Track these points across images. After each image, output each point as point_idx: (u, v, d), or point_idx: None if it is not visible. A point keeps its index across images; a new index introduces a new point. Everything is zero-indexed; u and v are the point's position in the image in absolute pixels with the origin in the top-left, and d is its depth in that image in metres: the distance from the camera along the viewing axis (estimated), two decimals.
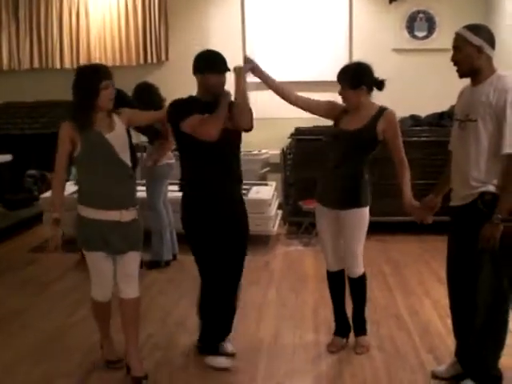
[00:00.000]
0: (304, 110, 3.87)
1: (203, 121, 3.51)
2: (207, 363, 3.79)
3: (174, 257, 5.83)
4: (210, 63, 3.62)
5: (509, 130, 3.05)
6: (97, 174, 3.48)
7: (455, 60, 3.25)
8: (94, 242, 3.49)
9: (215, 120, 3.52)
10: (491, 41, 3.20)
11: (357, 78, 3.75)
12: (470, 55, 3.17)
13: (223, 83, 3.64)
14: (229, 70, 3.64)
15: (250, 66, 3.71)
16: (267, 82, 3.80)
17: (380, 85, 3.79)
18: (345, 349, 4.01)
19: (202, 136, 3.50)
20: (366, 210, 3.85)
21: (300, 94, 3.88)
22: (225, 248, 3.74)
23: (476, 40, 3.15)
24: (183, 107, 3.62)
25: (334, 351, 3.99)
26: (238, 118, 3.62)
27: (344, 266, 3.99)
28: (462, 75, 3.27)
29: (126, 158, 3.55)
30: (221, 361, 3.78)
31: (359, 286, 4.00)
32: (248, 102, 3.62)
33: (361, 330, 4.06)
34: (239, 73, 3.61)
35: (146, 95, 5.46)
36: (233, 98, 3.64)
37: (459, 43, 3.22)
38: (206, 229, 3.68)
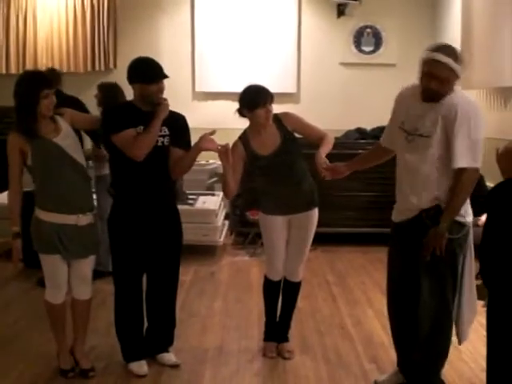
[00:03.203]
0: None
1: (133, 140, 3.49)
2: (130, 370, 3.81)
3: None
4: (147, 72, 3.58)
5: (461, 144, 3.07)
6: (52, 179, 3.51)
7: (436, 89, 3.11)
8: (50, 246, 3.53)
9: (145, 140, 3.50)
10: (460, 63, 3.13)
11: (271, 94, 3.81)
12: (451, 81, 3.10)
13: (162, 91, 3.61)
14: (166, 76, 3.61)
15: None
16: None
17: None
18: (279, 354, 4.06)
19: (128, 155, 3.51)
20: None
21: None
22: (147, 256, 3.75)
23: (453, 65, 3.06)
24: (117, 118, 3.60)
25: (273, 356, 4.03)
26: (177, 165, 3.66)
27: (285, 273, 4.04)
28: (431, 99, 3.15)
29: (80, 157, 3.59)
30: (139, 368, 3.79)
31: (297, 290, 4.10)
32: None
33: (285, 336, 4.14)
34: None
35: (112, 96, 5.39)
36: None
37: (439, 69, 3.07)
38: (128, 232, 3.68)
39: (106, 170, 5.01)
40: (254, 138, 3.83)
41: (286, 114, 3.89)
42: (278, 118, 3.84)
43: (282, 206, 3.88)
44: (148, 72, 3.58)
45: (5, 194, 4.20)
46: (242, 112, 3.83)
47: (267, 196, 3.93)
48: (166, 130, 3.63)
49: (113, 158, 3.74)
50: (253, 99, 3.74)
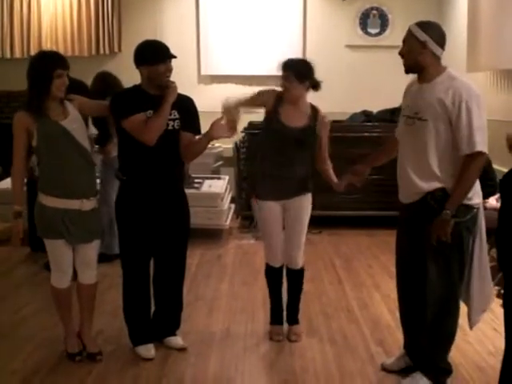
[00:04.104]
0: None
1: (143, 124, 3.49)
2: (137, 353, 3.82)
3: None
4: (155, 52, 3.56)
5: (469, 131, 3.06)
6: (57, 162, 3.49)
7: (401, 53, 3.29)
8: (54, 231, 3.52)
9: (156, 124, 3.50)
10: (439, 40, 3.20)
11: (304, 71, 3.84)
12: (414, 49, 3.20)
13: (170, 70, 3.59)
14: (174, 56, 3.59)
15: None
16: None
17: (317, 85, 3.92)
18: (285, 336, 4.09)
19: (139, 139, 3.51)
20: None
21: None
22: (155, 240, 3.76)
23: (421, 35, 3.17)
24: (126, 103, 3.59)
25: (279, 340, 4.05)
26: (188, 150, 3.67)
27: (284, 261, 4.06)
28: (406, 70, 3.30)
29: (85, 142, 3.57)
30: (146, 352, 3.81)
31: (300, 277, 4.11)
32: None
33: (295, 319, 4.16)
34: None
35: (103, 85, 5.37)
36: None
37: (406, 37, 3.26)
38: (136, 216, 3.68)
39: (114, 153, 5.03)
40: (285, 105, 3.85)
41: (324, 118, 3.93)
42: (316, 111, 3.90)
43: (276, 190, 3.88)
44: (155, 52, 3.56)
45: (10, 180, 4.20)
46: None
47: (264, 180, 3.92)
48: (175, 114, 3.62)
49: (122, 143, 3.72)
50: (301, 72, 3.81)
